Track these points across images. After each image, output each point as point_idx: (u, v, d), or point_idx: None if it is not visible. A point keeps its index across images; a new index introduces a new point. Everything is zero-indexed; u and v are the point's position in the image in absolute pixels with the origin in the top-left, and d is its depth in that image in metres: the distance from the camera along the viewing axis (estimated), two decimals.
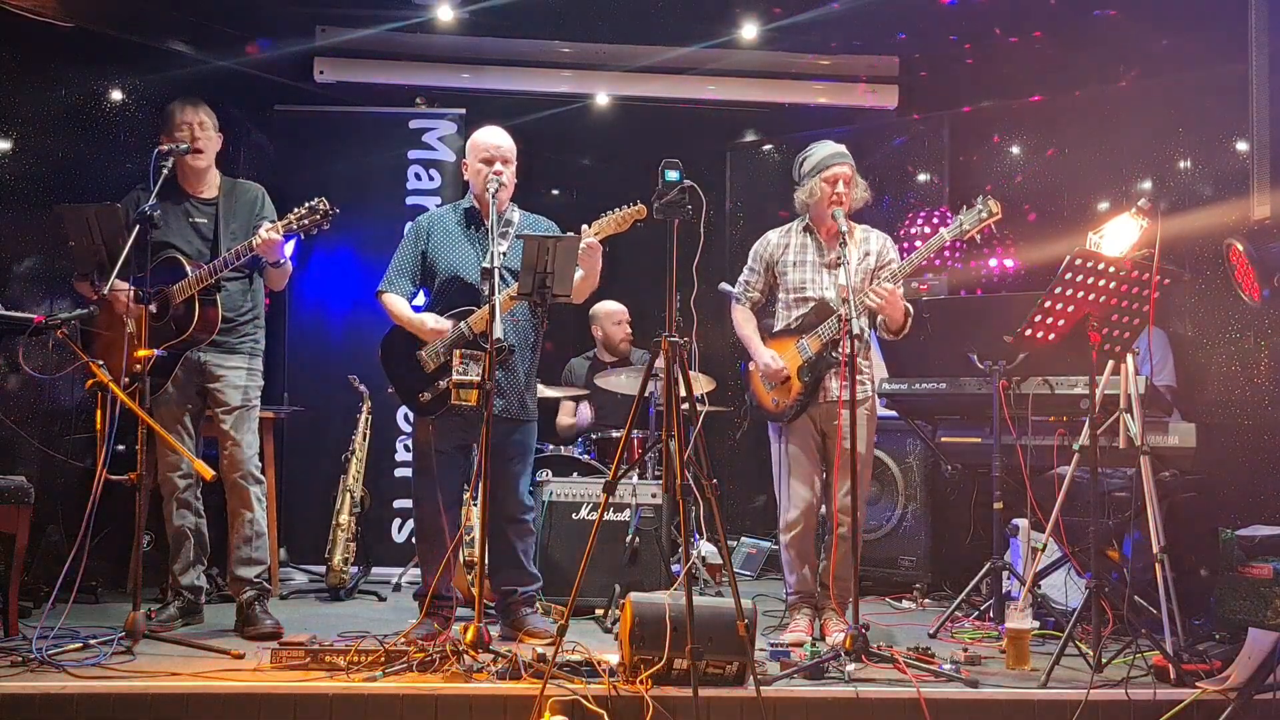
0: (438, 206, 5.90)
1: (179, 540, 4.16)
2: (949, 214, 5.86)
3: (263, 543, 4.25)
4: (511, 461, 4.13)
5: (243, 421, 4.21)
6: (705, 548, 5.37)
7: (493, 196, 3.92)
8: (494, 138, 4.12)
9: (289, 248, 4.16)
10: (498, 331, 3.54)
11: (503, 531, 4.11)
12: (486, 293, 3.91)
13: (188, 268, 4.04)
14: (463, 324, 3.99)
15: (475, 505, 4.19)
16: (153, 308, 3.99)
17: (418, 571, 4.49)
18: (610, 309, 6.07)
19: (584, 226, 3.93)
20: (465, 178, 4.22)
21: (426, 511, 4.09)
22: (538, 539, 4.59)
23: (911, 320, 4.10)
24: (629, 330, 6.06)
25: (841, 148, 4.17)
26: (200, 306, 4.03)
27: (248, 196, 4.31)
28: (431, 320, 4.01)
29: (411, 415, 4.42)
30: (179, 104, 4.24)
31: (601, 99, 6.45)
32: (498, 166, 4.02)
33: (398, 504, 5.76)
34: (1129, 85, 5.57)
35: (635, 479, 4.76)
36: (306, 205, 3.97)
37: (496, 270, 3.63)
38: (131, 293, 3.84)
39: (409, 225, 4.25)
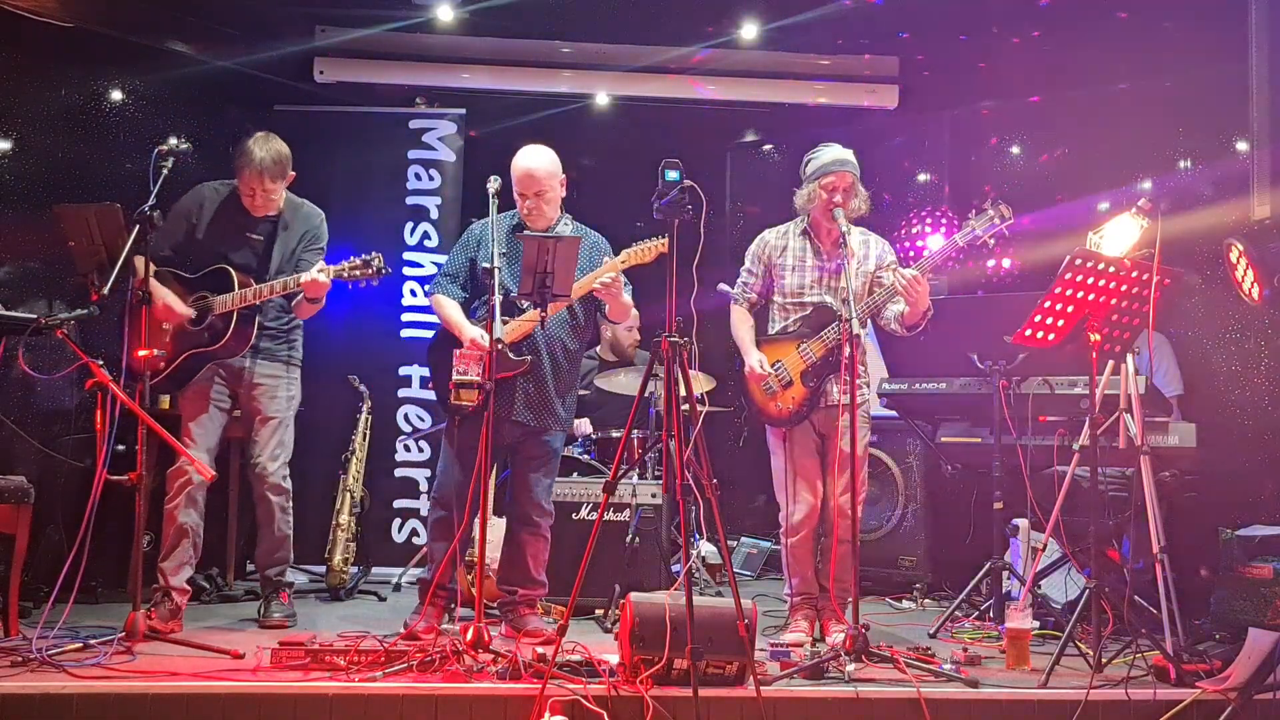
0: (438, 208, 5.95)
1: (178, 537, 4.11)
2: (949, 214, 5.87)
3: (286, 544, 4.31)
4: (533, 464, 4.15)
5: (275, 432, 4.24)
6: (705, 548, 5.37)
7: (491, 207, 3.94)
8: (523, 166, 4.08)
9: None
10: (498, 332, 3.54)
11: (515, 534, 4.13)
12: (526, 305, 3.97)
13: (235, 280, 4.10)
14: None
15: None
16: (192, 311, 4.11)
17: (417, 571, 4.49)
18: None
19: (606, 258, 4.02)
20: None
21: (446, 506, 4.07)
22: None
23: (928, 320, 4.07)
24: (638, 336, 6.04)
25: (847, 155, 4.13)
26: (237, 322, 4.09)
27: (307, 222, 4.34)
28: (476, 333, 3.99)
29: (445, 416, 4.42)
30: (254, 167, 4.11)
31: (601, 99, 6.45)
32: (529, 203, 4.05)
33: (398, 504, 5.77)
34: (1129, 85, 5.57)
35: (635, 479, 4.76)
36: (361, 258, 4.03)
37: (496, 270, 3.64)
38: (159, 303, 4.01)
39: (465, 231, 4.26)
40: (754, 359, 4.15)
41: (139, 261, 3.80)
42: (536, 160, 4.09)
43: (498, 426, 4.02)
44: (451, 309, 4.14)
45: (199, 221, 4.25)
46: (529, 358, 4.03)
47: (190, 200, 4.28)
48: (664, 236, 3.94)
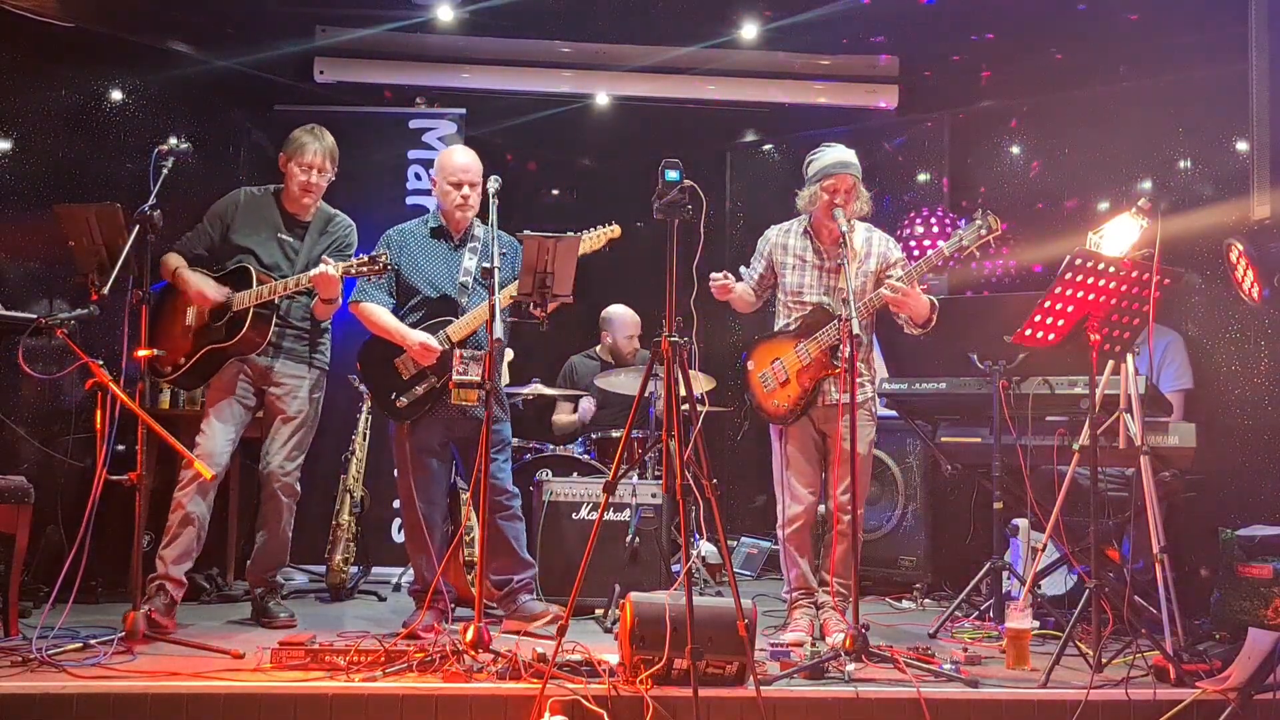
0: (438, 208, 5.94)
1: (183, 525, 4.07)
2: (948, 214, 5.87)
3: (285, 547, 4.32)
4: (492, 451, 4.15)
5: (296, 434, 4.26)
6: (705, 548, 5.37)
7: (493, 204, 3.95)
8: (462, 159, 4.23)
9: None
10: (498, 331, 3.55)
11: (491, 523, 4.17)
12: (464, 304, 4.14)
13: (255, 278, 4.13)
14: (440, 334, 4.08)
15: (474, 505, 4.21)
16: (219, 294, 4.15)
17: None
18: (627, 320, 6.01)
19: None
20: (434, 194, 4.33)
21: (413, 512, 4.16)
22: (538, 537, 4.61)
23: (936, 314, 4.06)
24: (639, 345, 6.04)
25: (849, 158, 4.13)
26: (253, 319, 4.11)
27: (339, 230, 4.40)
28: (423, 337, 4.06)
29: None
30: (314, 143, 4.27)
31: (601, 99, 6.45)
32: (465, 191, 4.16)
33: (397, 504, 5.75)
34: (1129, 85, 5.57)
35: (635, 479, 4.76)
36: (369, 255, 4.05)
37: (496, 269, 3.66)
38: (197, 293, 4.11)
39: (380, 240, 4.30)
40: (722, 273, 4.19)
41: (170, 259, 3.79)
42: (469, 154, 4.25)
43: (453, 422, 4.16)
44: (385, 315, 4.16)
45: (232, 222, 4.28)
46: (483, 351, 4.01)
47: (227, 202, 4.32)
48: (612, 224, 4.13)
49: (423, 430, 4.17)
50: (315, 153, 4.25)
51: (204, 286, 4.15)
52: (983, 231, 3.89)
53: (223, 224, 4.29)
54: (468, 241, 4.24)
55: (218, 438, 4.14)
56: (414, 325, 4.14)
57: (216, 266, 4.25)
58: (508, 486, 4.28)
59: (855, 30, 5.96)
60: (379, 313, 4.16)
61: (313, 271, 4.05)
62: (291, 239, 4.30)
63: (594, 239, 4.11)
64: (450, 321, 4.11)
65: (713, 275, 4.14)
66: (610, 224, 4.14)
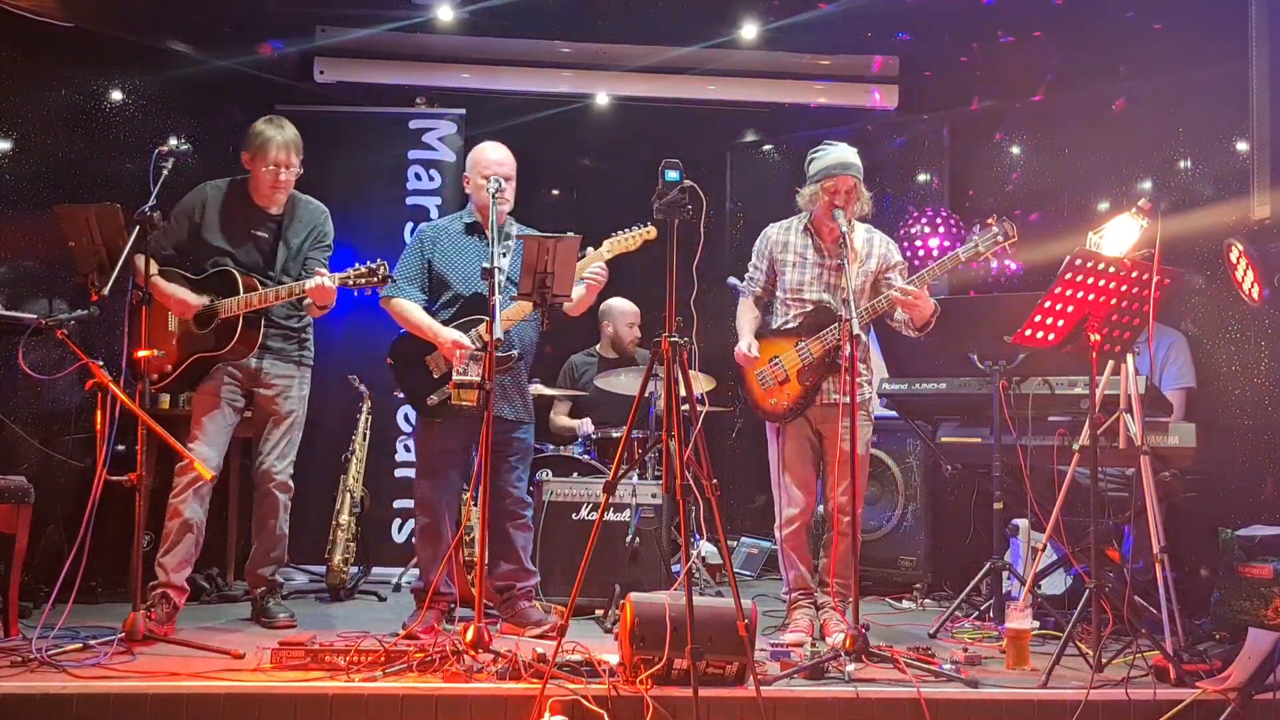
0: (438, 209, 5.95)
1: (182, 531, 4.07)
2: (951, 215, 5.87)
3: (283, 544, 4.32)
4: (513, 459, 4.21)
5: (287, 433, 4.26)
6: (705, 548, 5.37)
7: (493, 205, 3.96)
8: (497, 154, 4.21)
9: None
10: (498, 332, 3.55)
11: (503, 528, 4.17)
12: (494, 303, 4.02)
13: (240, 282, 4.10)
14: (472, 332, 4.06)
15: (475, 505, 4.20)
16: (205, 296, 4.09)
17: (417, 571, 4.50)
18: (626, 308, 6.04)
19: (589, 249, 4.02)
20: (467, 191, 4.29)
21: (430, 512, 4.16)
22: (538, 537, 4.61)
23: (936, 317, 4.07)
24: (639, 333, 6.05)
25: (850, 158, 4.12)
26: (242, 327, 4.09)
27: (313, 219, 4.36)
28: (455, 334, 4.05)
29: (415, 417, 4.47)
30: (277, 136, 4.18)
31: (601, 99, 6.45)
32: (500, 183, 4.09)
33: (398, 504, 5.76)
34: (1129, 85, 5.57)
35: (635, 479, 4.76)
36: (367, 266, 4.02)
37: (496, 269, 3.65)
38: (181, 301, 4.05)
39: (413, 235, 4.28)
40: (744, 343, 4.18)
41: (139, 261, 3.82)
42: (503, 149, 4.23)
43: (477, 426, 4.06)
44: (417, 312, 4.15)
45: (203, 220, 4.24)
46: (515, 352, 4.09)
47: (193, 199, 4.28)
48: (648, 225, 4.06)
49: (448, 434, 4.15)
50: (279, 148, 4.17)
51: (184, 296, 4.10)
52: (999, 238, 3.90)
53: (191, 221, 4.24)
54: (501, 239, 4.19)
55: (210, 444, 4.13)
56: (446, 323, 4.12)
57: (194, 269, 4.20)
58: (523, 496, 4.28)
59: (855, 30, 5.96)
60: (411, 309, 4.15)
61: (309, 284, 4.01)
62: (265, 234, 4.26)
63: (629, 239, 4.07)
64: (483, 320, 4.05)
65: (738, 355, 4.16)
66: (645, 225, 4.07)
